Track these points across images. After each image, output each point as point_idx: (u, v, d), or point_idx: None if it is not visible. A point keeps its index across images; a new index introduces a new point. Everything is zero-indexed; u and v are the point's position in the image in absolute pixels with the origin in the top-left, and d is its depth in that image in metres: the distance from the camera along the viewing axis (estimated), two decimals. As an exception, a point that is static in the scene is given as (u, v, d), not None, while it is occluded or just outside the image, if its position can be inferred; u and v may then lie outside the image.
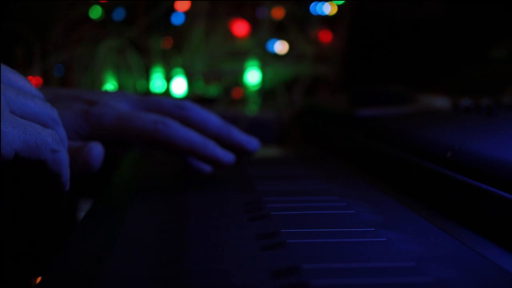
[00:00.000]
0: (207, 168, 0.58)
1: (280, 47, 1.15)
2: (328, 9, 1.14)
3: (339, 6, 1.14)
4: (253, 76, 1.12)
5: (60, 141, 0.40)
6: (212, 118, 0.56)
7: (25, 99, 0.39)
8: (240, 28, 1.14)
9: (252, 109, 1.07)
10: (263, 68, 1.12)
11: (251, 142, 0.57)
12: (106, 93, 0.58)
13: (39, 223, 0.70)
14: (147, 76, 1.11)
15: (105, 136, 0.51)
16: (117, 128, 0.51)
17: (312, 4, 1.14)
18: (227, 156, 0.54)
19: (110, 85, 1.08)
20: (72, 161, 0.46)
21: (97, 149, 0.48)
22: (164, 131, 0.51)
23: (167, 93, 1.11)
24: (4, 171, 0.38)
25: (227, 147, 0.55)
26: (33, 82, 1.02)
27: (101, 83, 1.09)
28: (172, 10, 1.12)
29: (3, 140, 0.35)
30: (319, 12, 1.14)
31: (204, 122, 0.55)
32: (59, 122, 0.42)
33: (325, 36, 1.15)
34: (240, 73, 1.13)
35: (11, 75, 0.41)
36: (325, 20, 1.15)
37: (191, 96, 1.11)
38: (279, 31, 1.14)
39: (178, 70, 1.12)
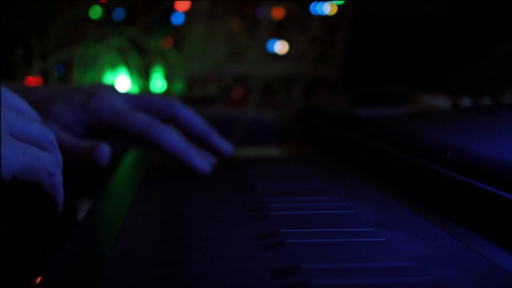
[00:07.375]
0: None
1: (280, 47, 1.15)
2: (328, 9, 1.14)
3: (339, 6, 1.14)
4: (251, 76, 1.12)
5: (56, 164, 0.40)
6: (196, 120, 0.62)
7: (24, 122, 0.40)
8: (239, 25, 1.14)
9: (252, 109, 1.07)
10: (263, 68, 1.12)
11: (226, 148, 0.64)
12: (104, 86, 0.62)
13: (38, 224, 0.70)
14: (147, 76, 1.11)
15: (102, 127, 0.57)
16: (113, 123, 0.57)
17: (312, 4, 1.14)
18: (203, 167, 0.59)
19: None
20: (80, 158, 0.52)
21: (106, 150, 0.53)
22: (154, 134, 0.57)
23: (167, 93, 1.11)
24: (1, 192, 0.39)
25: (206, 147, 0.63)
26: (33, 82, 1.02)
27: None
28: (172, 10, 1.12)
29: (2, 162, 0.36)
30: (319, 12, 1.14)
31: (189, 122, 0.62)
32: (55, 144, 0.42)
33: (325, 36, 1.15)
34: (240, 73, 1.12)
35: (10, 97, 0.42)
36: (325, 20, 1.15)
37: (191, 96, 1.11)
38: (279, 31, 1.14)
39: (178, 70, 1.12)
